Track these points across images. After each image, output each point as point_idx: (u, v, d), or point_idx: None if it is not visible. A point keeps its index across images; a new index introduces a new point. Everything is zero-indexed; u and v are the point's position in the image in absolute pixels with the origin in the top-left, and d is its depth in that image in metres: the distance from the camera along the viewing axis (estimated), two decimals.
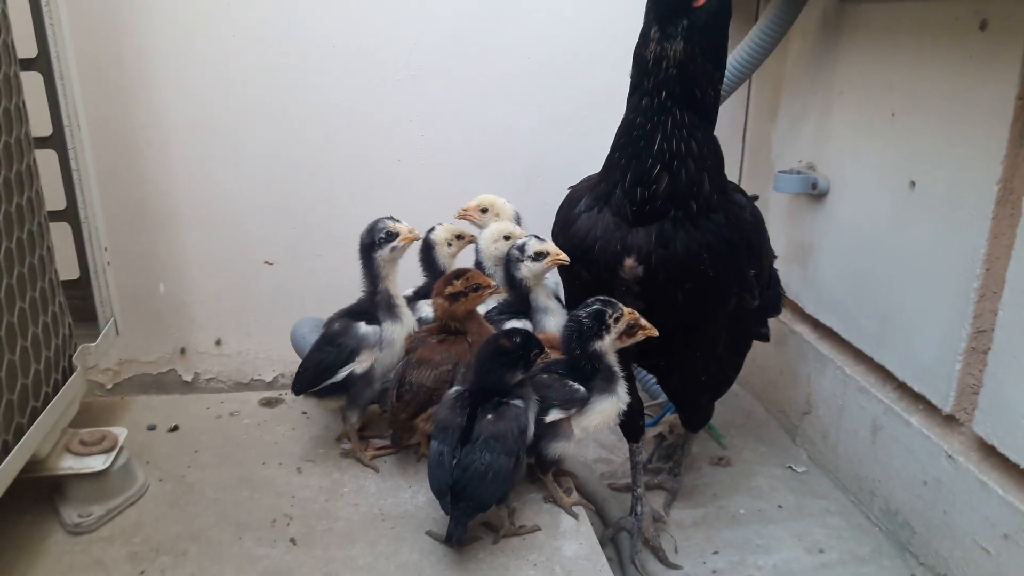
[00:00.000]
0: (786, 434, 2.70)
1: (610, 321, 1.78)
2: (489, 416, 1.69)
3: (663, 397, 2.67)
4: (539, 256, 1.99)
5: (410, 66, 2.65)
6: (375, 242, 1.99)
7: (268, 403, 2.34)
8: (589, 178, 2.00)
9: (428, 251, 2.26)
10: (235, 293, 2.82)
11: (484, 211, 2.31)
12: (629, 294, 1.86)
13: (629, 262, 1.82)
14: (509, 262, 2.05)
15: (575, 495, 1.97)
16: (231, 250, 2.77)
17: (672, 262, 1.79)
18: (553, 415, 1.78)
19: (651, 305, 1.86)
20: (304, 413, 2.27)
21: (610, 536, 2.17)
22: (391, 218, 2.02)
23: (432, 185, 2.77)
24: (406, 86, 2.67)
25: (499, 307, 2.12)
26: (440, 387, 1.88)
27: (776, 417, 2.78)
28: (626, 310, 1.80)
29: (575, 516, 1.88)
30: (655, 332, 1.83)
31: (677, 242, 1.78)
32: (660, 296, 1.85)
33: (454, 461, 1.65)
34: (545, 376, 1.83)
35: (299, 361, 2.11)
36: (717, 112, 1.80)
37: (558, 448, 1.83)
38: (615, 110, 1.84)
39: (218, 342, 2.88)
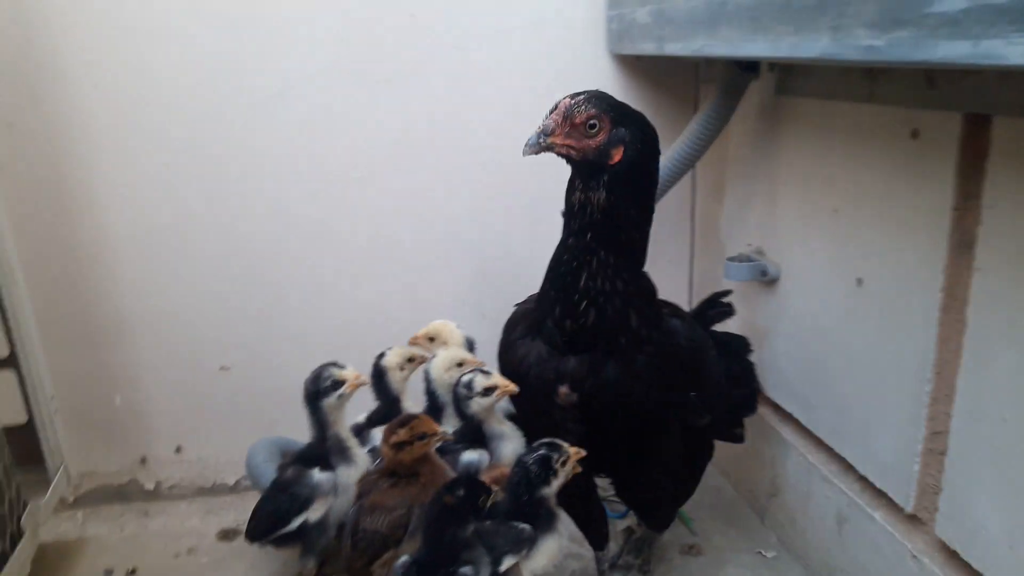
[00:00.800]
0: (755, 514, 2.68)
1: (557, 466, 1.78)
2: None
3: None
4: (487, 391, 1.98)
5: (359, 168, 2.63)
6: (320, 391, 1.96)
7: (226, 536, 2.32)
8: (530, 298, 1.99)
9: (380, 377, 2.24)
10: (192, 400, 2.79)
11: (432, 339, 2.28)
12: (568, 419, 1.86)
13: (563, 390, 1.83)
14: (457, 399, 2.03)
15: None
16: (186, 357, 2.74)
17: (604, 390, 1.80)
18: (507, 563, 1.75)
19: (592, 429, 1.86)
20: (263, 548, 2.23)
21: None
22: (335, 364, 2.02)
23: (383, 283, 2.76)
24: (358, 183, 2.65)
25: (455, 435, 2.09)
26: (394, 532, 1.86)
27: (744, 496, 2.76)
28: (572, 450, 1.78)
29: None
30: (583, 453, 1.82)
31: (607, 371, 1.79)
32: (598, 422, 1.85)
33: None
34: (488, 522, 1.80)
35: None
36: (645, 251, 1.81)
37: None
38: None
39: (178, 449, 2.84)
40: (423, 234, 2.74)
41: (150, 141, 2.50)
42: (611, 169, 1.69)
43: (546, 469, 1.79)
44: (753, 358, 2.46)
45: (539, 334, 1.87)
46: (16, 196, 2.35)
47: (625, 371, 1.79)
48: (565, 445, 1.82)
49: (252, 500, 2.62)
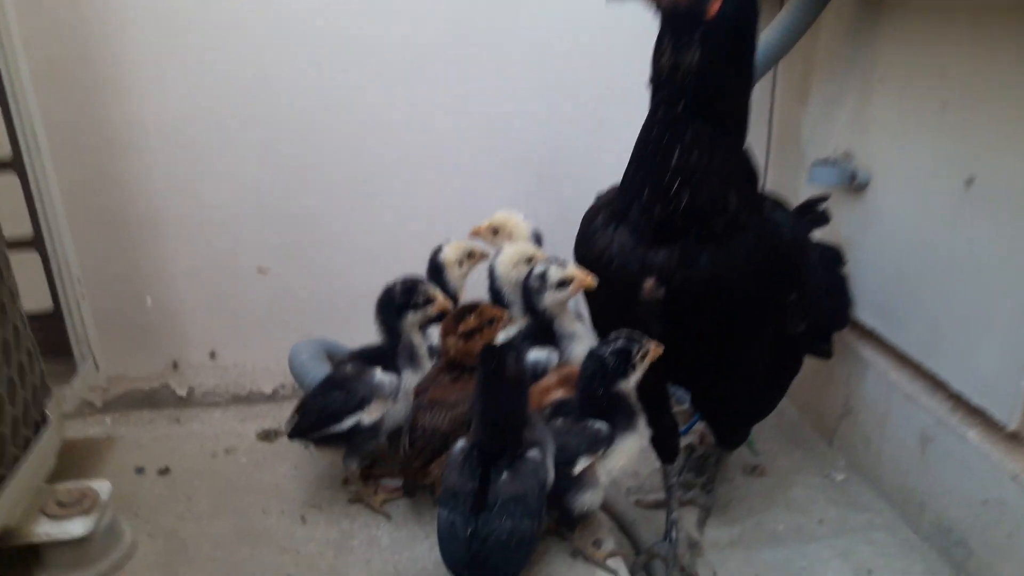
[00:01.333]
0: (822, 437, 2.55)
1: (636, 359, 1.63)
2: (505, 475, 1.52)
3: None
4: (563, 284, 1.82)
5: (409, 52, 2.43)
6: (409, 304, 1.83)
7: (266, 436, 2.18)
8: (613, 188, 1.81)
9: (437, 273, 2.10)
10: (228, 303, 2.64)
11: (496, 232, 2.12)
12: (651, 317, 1.70)
13: (649, 283, 1.66)
14: (529, 291, 1.87)
15: (609, 544, 1.79)
16: (221, 258, 2.58)
17: (696, 284, 1.63)
18: (582, 463, 1.62)
19: (676, 330, 1.70)
20: (306, 447, 2.10)
21: (643, 563, 2.02)
22: (428, 282, 1.89)
23: (437, 181, 2.59)
24: (405, 74, 2.45)
25: (520, 335, 1.94)
26: (457, 430, 1.72)
27: (810, 419, 2.63)
28: (652, 345, 1.64)
29: (613, 571, 1.71)
30: (661, 349, 1.67)
31: (701, 262, 1.61)
32: (685, 321, 1.69)
33: (469, 531, 1.48)
34: (559, 421, 1.67)
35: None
36: (746, 123, 1.62)
37: (586, 500, 1.67)
38: (629, 100, 1.71)
39: (212, 355, 2.71)
40: (477, 134, 2.55)
41: (185, 17, 2.29)
42: (707, 24, 1.49)
43: (624, 361, 1.64)
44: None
45: (623, 222, 1.69)
46: (44, 74, 2.16)
47: (721, 262, 1.61)
48: (644, 338, 1.66)
49: (290, 408, 2.51)
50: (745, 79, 1.61)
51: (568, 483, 1.63)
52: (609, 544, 1.78)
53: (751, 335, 1.76)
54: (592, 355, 1.68)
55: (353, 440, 1.85)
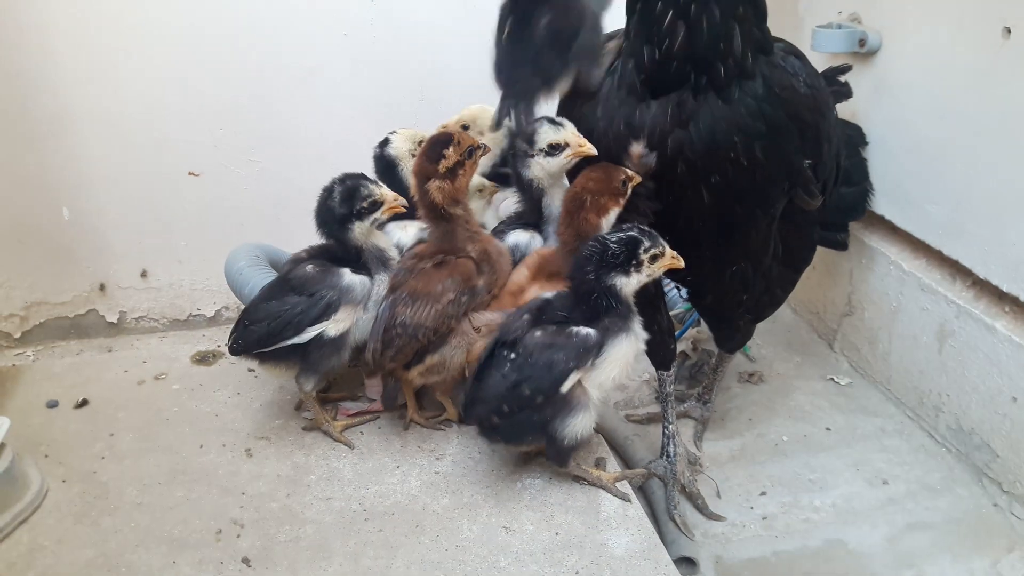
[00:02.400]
0: (821, 339, 2.35)
1: (644, 256, 1.39)
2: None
3: (682, 306, 2.27)
4: (554, 149, 1.53)
5: None
6: (353, 212, 1.54)
7: (203, 359, 1.92)
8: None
9: (389, 169, 1.80)
10: (158, 213, 2.34)
11: (466, 128, 1.83)
12: (640, 192, 1.47)
13: (637, 148, 1.42)
14: (515, 158, 1.59)
15: (614, 467, 1.56)
16: (146, 160, 2.28)
17: (694, 146, 1.38)
18: (569, 381, 1.39)
19: (670, 208, 1.47)
20: (251, 371, 1.84)
21: (638, 484, 1.80)
22: (371, 180, 1.58)
23: (388, 63, 2.28)
24: None
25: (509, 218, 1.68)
26: (443, 325, 1.47)
27: (808, 319, 2.42)
28: (669, 252, 1.39)
29: (624, 497, 1.50)
30: (680, 263, 1.45)
31: (700, 119, 1.37)
32: (681, 194, 1.45)
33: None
34: (539, 333, 1.43)
35: None
36: None
37: (577, 426, 1.44)
38: None
39: (143, 274, 2.41)
40: (434, 3, 2.25)
41: None
42: None
43: (629, 253, 1.39)
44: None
45: (611, 73, 1.43)
46: None
47: (724, 117, 1.35)
48: (661, 239, 1.43)
49: None
50: None
51: (555, 408, 1.41)
52: (612, 465, 1.57)
53: (759, 210, 1.51)
54: (595, 239, 1.43)
55: (312, 356, 1.58)
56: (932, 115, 1.84)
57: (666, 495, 1.76)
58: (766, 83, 1.37)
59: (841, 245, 2.03)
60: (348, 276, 1.57)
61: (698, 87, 1.34)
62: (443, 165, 1.50)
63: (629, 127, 1.40)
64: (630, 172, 1.44)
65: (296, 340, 1.53)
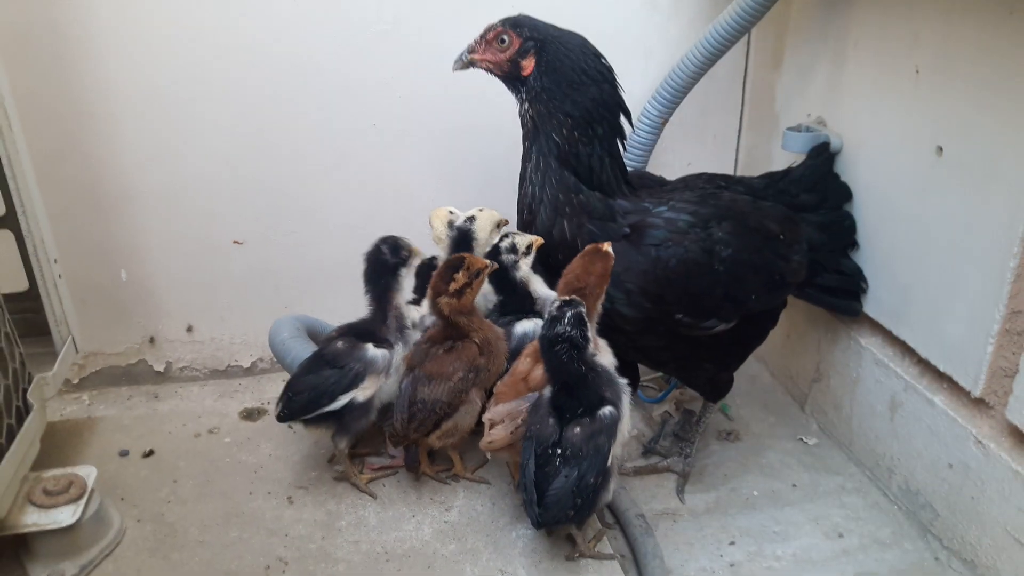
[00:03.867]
0: (794, 401, 2.59)
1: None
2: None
3: None
4: (529, 249, 1.91)
5: (382, 20, 2.39)
6: (400, 262, 1.89)
7: (249, 415, 2.18)
8: None
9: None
10: (204, 276, 2.62)
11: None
12: None
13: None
14: (504, 268, 1.90)
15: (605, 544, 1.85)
16: (196, 230, 2.56)
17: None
18: (612, 455, 1.69)
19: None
20: (290, 427, 2.11)
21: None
22: (402, 238, 1.95)
23: (409, 154, 2.56)
24: (378, 43, 2.42)
25: (498, 310, 1.96)
26: (455, 399, 1.75)
27: (783, 383, 2.67)
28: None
29: (607, 557, 1.77)
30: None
31: None
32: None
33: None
34: (577, 428, 1.67)
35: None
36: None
37: (610, 490, 1.75)
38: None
39: (189, 329, 2.70)
40: (450, 103, 2.52)
41: None
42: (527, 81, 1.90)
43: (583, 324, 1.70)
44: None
45: None
46: (10, 47, 2.12)
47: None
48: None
49: (269, 383, 2.54)
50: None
51: (604, 480, 1.68)
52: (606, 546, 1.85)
53: (660, 345, 1.92)
54: (544, 340, 1.69)
55: (345, 419, 1.85)
56: (883, 215, 2.09)
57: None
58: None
59: (855, 312, 2.24)
60: (371, 350, 1.85)
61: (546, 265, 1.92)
62: (452, 287, 1.80)
63: None
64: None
65: (331, 407, 1.80)
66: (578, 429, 1.66)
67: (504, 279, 1.94)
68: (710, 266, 1.83)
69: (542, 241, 1.90)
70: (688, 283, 1.82)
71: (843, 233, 2.19)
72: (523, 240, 1.91)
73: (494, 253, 1.96)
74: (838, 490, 2.21)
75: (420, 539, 1.75)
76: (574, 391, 1.68)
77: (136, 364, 2.70)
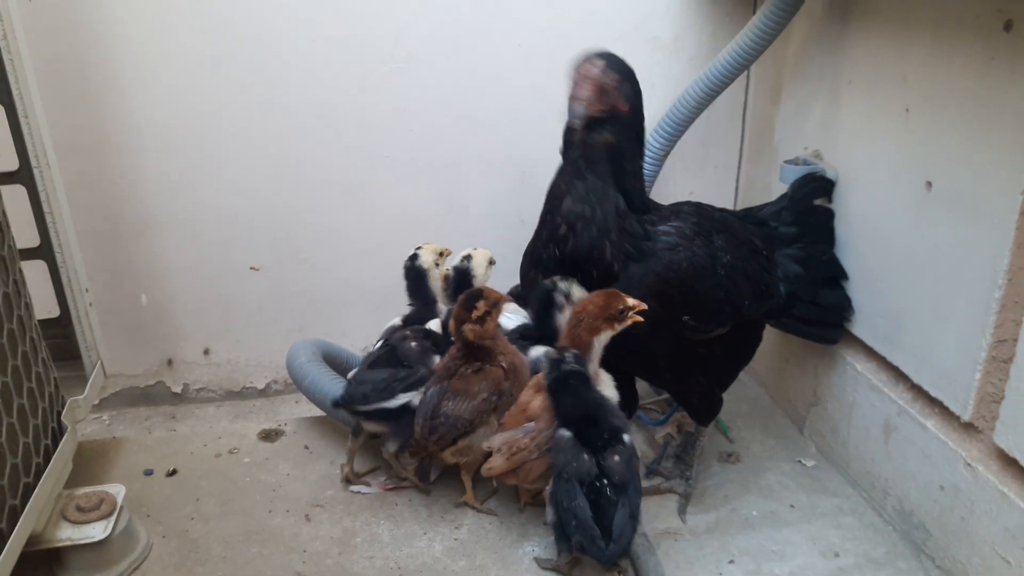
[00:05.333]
0: (793, 424, 2.67)
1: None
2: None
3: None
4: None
5: (396, 57, 2.50)
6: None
7: (267, 436, 2.27)
8: None
9: (419, 278, 2.21)
10: (221, 301, 2.72)
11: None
12: None
13: None
14: (554, 311, 1.98)
15: None
16: (214, 257, 2.66)
17: None
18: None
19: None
20: (306, 447, 2.20)
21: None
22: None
23: (420, 183, 2.66)
24: (392, 78, 2.52)
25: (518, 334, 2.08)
26: (476, 418, 1.85)
27: (782, 406, 2.75)
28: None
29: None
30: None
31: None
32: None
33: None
34: (616, 457, 1.75)
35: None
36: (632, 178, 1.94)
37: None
38: None
39: (206, 351, 2.79)
40: (462, 132, 2.63)
41: (178, 19, 2.35)
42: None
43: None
44: None
45: (538, 264, 1.95)
46: (45, 80, 2.22)
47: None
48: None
49: (283, 404, 2.63)
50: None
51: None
52: None
53: (658, 344, 1.99)
54: (555, 381, 1.79)
55: (400, 419, 1.93)
56: (877, 246, 2.18)
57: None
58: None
59: (831, 341, 2.35)
60: (438, 359, 1.98)
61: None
62: (475, 314, 1.91)
63: None
64: (631, 302, 1.80)
65: (389, 404, 1.90)
66: (617, 457, 1.73)
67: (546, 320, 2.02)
68: (714, 269, 1.98)
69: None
70: (696, 285, 1.95)
71: (821, 267, 2.29)
72: (579, 290, 1.95)
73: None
74: (835, 511, 2.28)
75: (431, 555, 1.83)
76: (596, 421, 1.76)
77: (154, 385, 2.79)
